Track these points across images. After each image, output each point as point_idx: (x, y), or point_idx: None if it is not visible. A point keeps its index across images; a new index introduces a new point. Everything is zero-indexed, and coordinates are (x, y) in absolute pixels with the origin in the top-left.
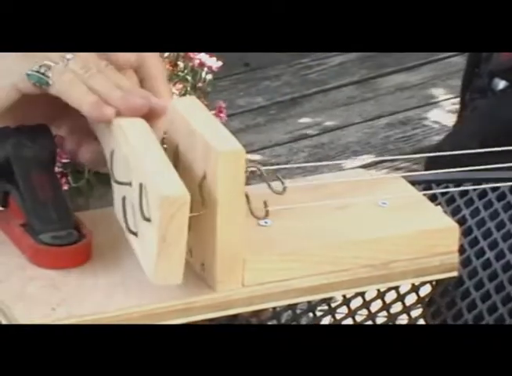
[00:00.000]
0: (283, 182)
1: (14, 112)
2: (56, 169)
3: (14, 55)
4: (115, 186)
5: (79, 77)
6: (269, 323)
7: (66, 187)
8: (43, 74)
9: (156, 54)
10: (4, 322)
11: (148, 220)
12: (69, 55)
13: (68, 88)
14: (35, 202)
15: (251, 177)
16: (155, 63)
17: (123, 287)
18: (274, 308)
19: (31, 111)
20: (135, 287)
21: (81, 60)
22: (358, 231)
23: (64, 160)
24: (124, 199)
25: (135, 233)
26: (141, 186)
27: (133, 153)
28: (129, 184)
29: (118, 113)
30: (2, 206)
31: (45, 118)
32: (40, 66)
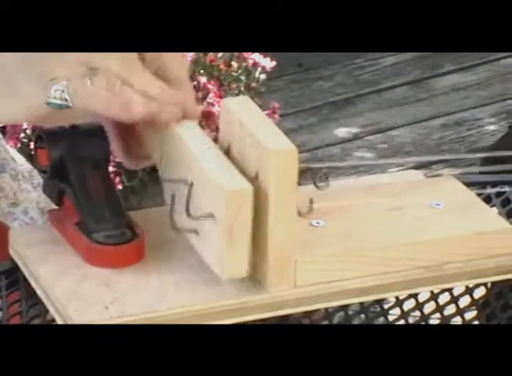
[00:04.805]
0: (327, 178)
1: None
2: (110, 168)
3: (23, 77)
4: (166, 186)
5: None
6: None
7: (120, 186)
8: (62, 97)
9: (177, 54)
10: (58, 320)
11: (211, 216)
12: (91, 68)
13: (90, 102)
14: (89, 201)
15: (303, 177)
16: (176, 63)
17: (175, 286)
18: (326, 309)
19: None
20: (187, 286)
21: (104, 77)
22: (411, 232)
23: (118, 160)
24: (173, 197)
25: (194, 231)
26: (201, 183)
27: (189, 152)
28: (184, 182)
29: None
30: (57, 205)
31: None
32: (56, 91)
